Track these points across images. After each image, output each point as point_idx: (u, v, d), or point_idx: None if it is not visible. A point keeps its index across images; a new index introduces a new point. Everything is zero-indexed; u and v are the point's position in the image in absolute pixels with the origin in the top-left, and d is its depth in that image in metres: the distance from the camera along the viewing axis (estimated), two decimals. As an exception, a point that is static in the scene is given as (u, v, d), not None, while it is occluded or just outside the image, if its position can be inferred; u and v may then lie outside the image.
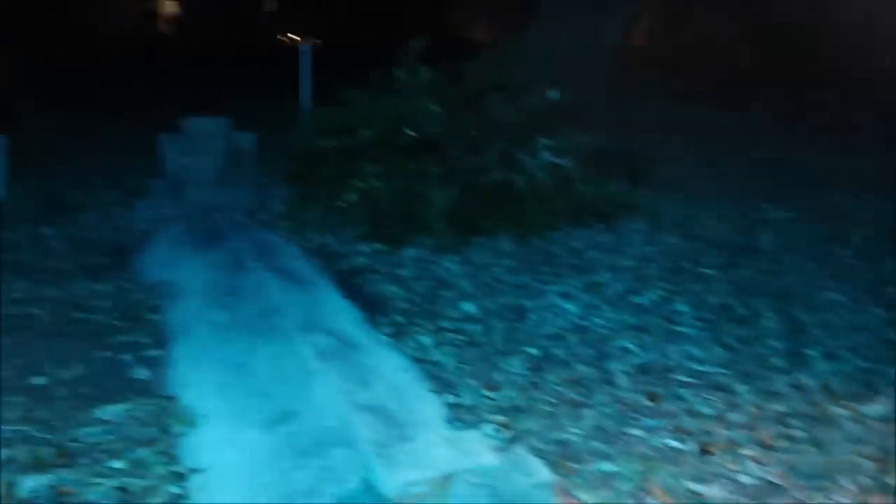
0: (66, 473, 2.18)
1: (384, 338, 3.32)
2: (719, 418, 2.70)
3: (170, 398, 2.69)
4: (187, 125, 4.98)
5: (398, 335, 3.35)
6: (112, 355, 3.07)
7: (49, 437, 2.37)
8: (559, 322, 3.47)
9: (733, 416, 2.71)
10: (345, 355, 2.96)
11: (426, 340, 3.29)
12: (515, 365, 3.08)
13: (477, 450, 2.32)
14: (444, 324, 3.47)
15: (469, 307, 3.64)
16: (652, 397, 2.86)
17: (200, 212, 4.97)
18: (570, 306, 3.62)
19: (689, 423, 2.66)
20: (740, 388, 2.94)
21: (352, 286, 3.96)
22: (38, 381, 2.77)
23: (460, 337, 3.33)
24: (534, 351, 3.20)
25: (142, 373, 2.92)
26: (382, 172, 4.54)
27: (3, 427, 2.40)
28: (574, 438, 2.52)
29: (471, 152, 4.59)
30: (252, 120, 5.99)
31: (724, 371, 3.08)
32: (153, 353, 3.12)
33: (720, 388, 2.94)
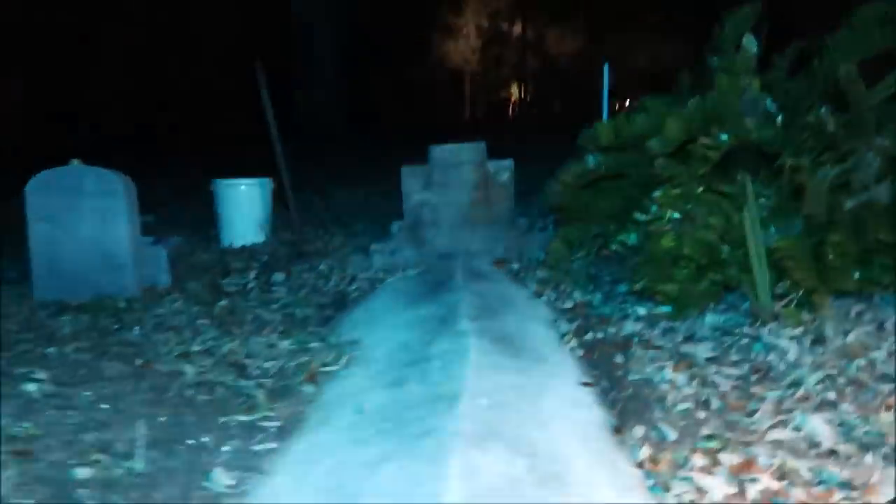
0: None
1: (634, 471, 1.76)
2: None
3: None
4: (433, 154, 4.04)
5: (666, 469, 1.75)
6: (211, 442, 2.07)
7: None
8: None
9: None
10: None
11: (717, 493, 1.63)
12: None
13: None
14: (761, 457, 1.76)
15: (819, 427, 1.86)
16: None
17: (438, 259, 3.95)
18: None
19: None
20: None
21: (603, 367, 2.46)
22: (81, 473, 1.86)
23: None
24: None
25: (220, 481, 1.84)
26: (678, 198, 2.97)
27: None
28: None
29: (829, 163, 2.76)
30: (519, 148, 4.89)
31: None
32: (266, 446, 2.05)
33: None
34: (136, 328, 3.27)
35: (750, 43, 3.10)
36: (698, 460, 1.76)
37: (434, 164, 4.03)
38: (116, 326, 3.36)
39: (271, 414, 2.26)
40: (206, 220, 5.24)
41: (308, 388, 2.48)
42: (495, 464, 1.62)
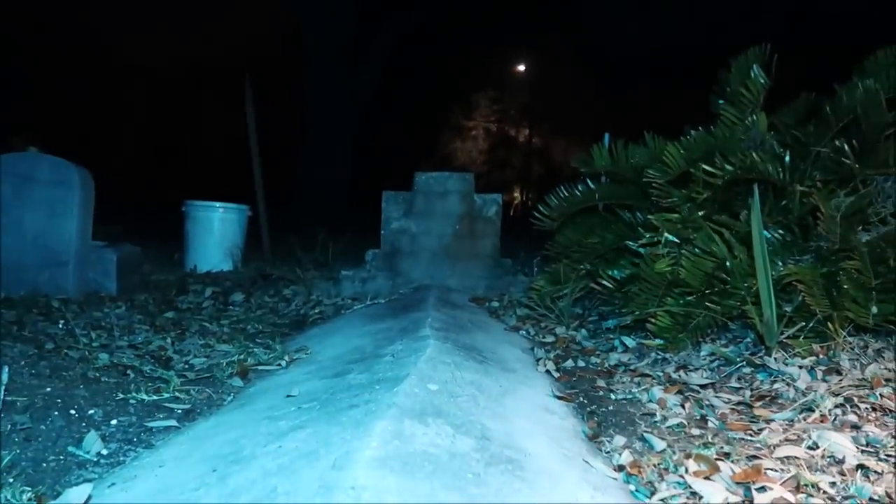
0: None
1: (611, 473, 1.39)
2: None
3: None
4: (418, 180, 3.80)
5: (652, 473, 1.39)
6: (98, 415, 1.70)
7: None
8: None
9: None
10: None
11: (716, 497, 1.27)
12: None
13: None
14: (770, 469, 1.40)
15: (841, 444, 1.50)
16: None
17: (412, 291, 3.63)
18: None
19: None
20: None
21: (582, 386, 2.11)
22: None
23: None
24: None
25: (92, 449, 1.46)
26: (677, 223, 2.70)
27: None
28: None
29: (842, 193, 2.51)
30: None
31: None
32: (165, 423, 1.68)
33: None
34: (61, 322, 2.91)
35: (758, 75, 2.93)
36: (692, 465, 1.40)
37: (418, 192, 3.78)
38: (41, 320, 3.00)
39: (182, 397, 1.89)
40: (173, 241, 4.94)
41: (235, 382, 2.12)
42: (434, 436, 1.26)
